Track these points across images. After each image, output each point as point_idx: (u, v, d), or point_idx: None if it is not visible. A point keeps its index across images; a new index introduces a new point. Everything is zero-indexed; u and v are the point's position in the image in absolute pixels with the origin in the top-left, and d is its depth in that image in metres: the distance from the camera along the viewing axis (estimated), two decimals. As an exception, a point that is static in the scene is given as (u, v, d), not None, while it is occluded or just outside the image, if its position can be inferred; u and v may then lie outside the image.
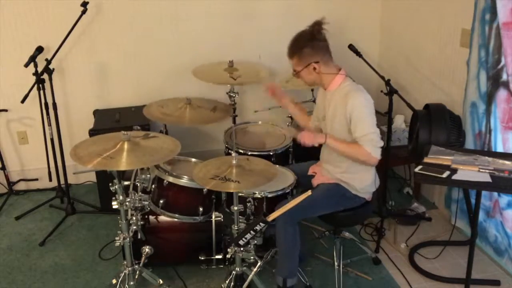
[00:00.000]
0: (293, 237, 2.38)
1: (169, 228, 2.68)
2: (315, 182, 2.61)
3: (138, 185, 2.54)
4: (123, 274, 2.43)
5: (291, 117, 3.43)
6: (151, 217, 2.65)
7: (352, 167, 2.44)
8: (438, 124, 2.65)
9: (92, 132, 3.22)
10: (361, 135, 2.31)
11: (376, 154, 2.33)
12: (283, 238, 2.38)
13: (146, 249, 2.59)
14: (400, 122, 3.46)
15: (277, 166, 2.65)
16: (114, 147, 2.21)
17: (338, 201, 2.48)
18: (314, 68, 2.39)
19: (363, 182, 2.47)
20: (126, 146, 2.21)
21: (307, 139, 2.38)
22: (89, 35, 3.51)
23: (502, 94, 2.66)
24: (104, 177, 2.95)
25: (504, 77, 2.63)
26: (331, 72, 2.41)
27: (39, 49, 3.14)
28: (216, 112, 3.01)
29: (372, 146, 2.31)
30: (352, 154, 2.37)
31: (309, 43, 2.37)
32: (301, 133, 2.40)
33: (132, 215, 2.45)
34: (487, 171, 2.12)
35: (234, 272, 2.48)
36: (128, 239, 2.37)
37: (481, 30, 2.74)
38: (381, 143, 2.34)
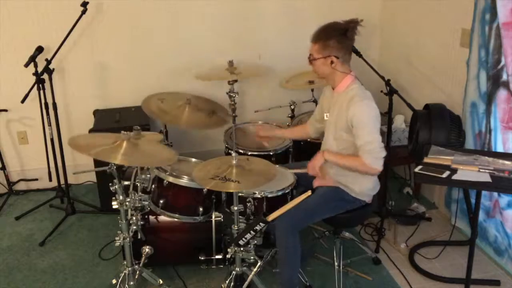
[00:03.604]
0: (294, 246, 2.36)
1: (169, 228, 2.68)
2: (315, 182, 2.61)
3: (138, 185, 2.54)
4: (123, 274, 2.43)
5: (291, 117, 3.43)
6: (151, 217, 2.65)
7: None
8: (438, 124, 2.65)
9: (92, 132, 3.23)
10: (360, 144, 2.28)
11: (376, 165, 2.27)
12: (284, 248, 2.37)
13: (146, 249, 2.59)
14: (400, 122, 3.46)
15: (277, 166, 2.65)
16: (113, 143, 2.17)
17: (338, 205, 2.47)
18: (332, 62, 2.33)
19: (362, 185, 2.45)
20: (124, 144, 2.16)
21: (312, 170, 2.43)
22: (89, 35, 3.51)
23: (502, 94, 2.66)
24: (104, 177, 2.95)
25: (504, 77, 2.63)
26: (344, 71, 2.37)
27: (39, 49, 3.14)
28: (213, 117, 2.91)
29: (371, 157, 2.26)
30: (351, 166, 2.34)
31: (338, 36, 2.31)
32: (307, 170, 2.46)
33: (132, 215, 2.44)
34: (487, 171, 2.12)
35: (234, 272, 2.48)
36: (128, 239, 2.37)
37: (481, 30, 2.74)
38: (383, 153, 2.28)
